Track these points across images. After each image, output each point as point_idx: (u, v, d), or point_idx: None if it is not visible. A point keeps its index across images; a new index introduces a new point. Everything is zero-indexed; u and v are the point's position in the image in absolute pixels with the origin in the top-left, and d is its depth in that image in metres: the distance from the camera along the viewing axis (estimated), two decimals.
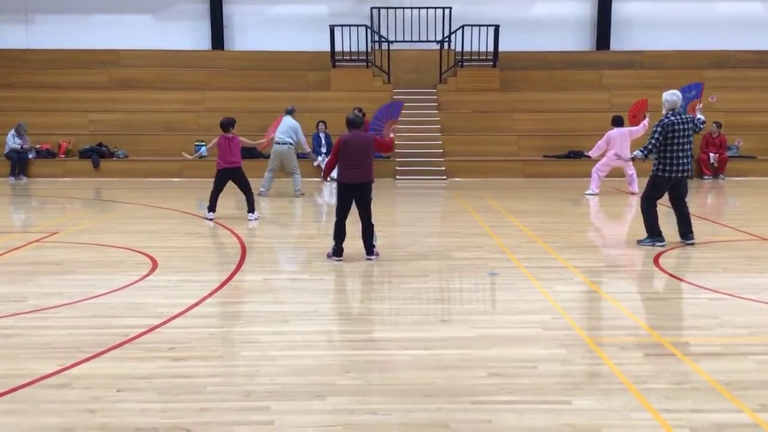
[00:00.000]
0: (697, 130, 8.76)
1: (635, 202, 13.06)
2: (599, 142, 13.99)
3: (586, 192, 14.05)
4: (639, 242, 8.88)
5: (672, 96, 8.61)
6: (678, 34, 20.72)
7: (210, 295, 6.72)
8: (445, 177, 17.01)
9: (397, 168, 16.96)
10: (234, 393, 4.47)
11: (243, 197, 11.09)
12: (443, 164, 17.26)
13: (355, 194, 8.08)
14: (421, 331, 5.62)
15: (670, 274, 7.48)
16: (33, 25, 21.00)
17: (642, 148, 8.75)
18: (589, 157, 14.53)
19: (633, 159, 9.13)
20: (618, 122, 13.91)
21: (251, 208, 10.98)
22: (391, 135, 8.97)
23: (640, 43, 20.86)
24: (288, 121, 13.71)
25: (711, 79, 19.25)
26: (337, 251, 8.14)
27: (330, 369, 4.86)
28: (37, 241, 9.30)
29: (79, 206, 13.39)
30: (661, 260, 8.05)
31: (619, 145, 13.63)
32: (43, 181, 16.83)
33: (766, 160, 17.73)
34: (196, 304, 6.39)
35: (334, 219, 8.18)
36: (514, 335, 5.51)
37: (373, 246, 8.20)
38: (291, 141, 13.65)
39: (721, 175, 16.78)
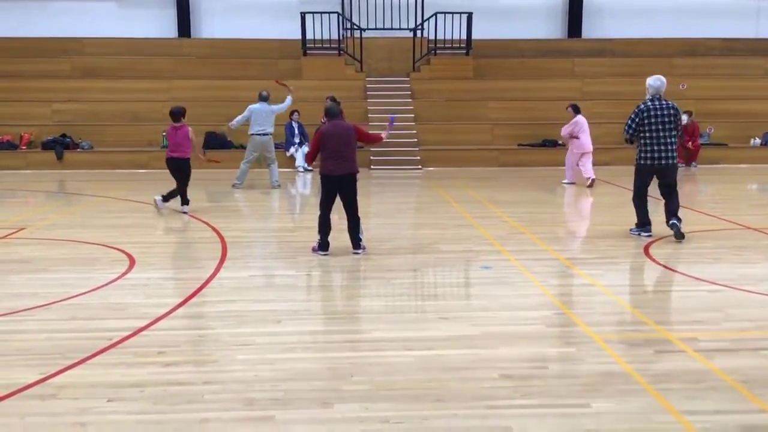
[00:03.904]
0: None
1: (611, 191, 13.01)
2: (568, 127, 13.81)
3: (563, 181, 13.97)
4: (630, 231, 8.83)
5: (656, 81, 8.39)
6: (648, 22, 20.73)
7: (194, 293, 6.43)
8: (420, 167, 16.80)
9: (372, 158, 16.68)
10: (234, 401, 4.22)
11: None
12: (418, 153, 17.05)
13: (339, 186, 7.82)
14: (423, 330, 5.41)
15: (663, 265, 7.38)
16: None
17: (624, 131, 8.63)
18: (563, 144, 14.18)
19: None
20: (578, 109, 13.80)
21: (167, 197, 10.70)
22: (384, 135, 8.65)
23: (611, 31, 20.86)
24: (265, 108, 13.24)
25: (680, 67, 19.41)
26: (323, 245, 7.89)
27: (333, 373, 4.62)
28: (4, 237, 8.87)
29: (45, 200, 12.89)
30: (651, 250, 7.96)
31: (587, 131, 13.56)
32: (5, 173, 16.15)
33: (737, 147, 17.87)
34: (181, 304, 6.10)
35: (318, 212, 7.92)
36: (518, 333, 5.33)
37: (360, 239, 7.97)
38: (271, 131, 13.28)
39: (694, 163, 16.85)
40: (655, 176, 8.58)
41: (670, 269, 7.28)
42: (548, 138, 17.63)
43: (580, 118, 13.64)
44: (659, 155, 8.36)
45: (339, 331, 5.52)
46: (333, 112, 7.89)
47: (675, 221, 8.39)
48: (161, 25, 20.42)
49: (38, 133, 17.47)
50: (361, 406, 4.12)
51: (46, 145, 17.09)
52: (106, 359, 4.87)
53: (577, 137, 13.54)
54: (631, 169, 8.90)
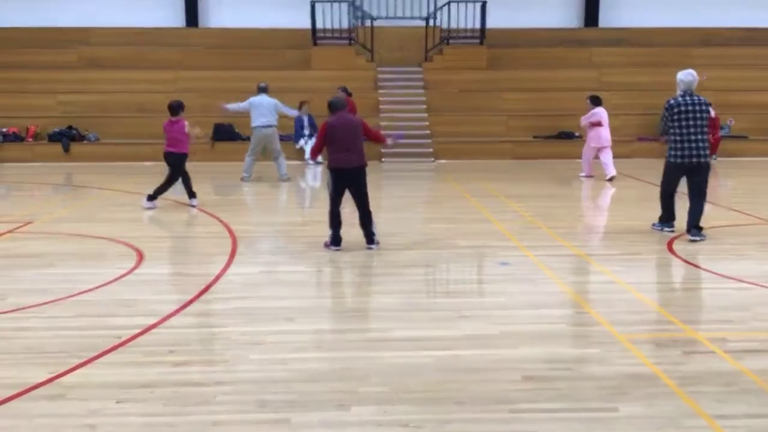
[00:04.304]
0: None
1: (631, 185, 12.77)
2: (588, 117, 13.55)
3: (580, 174, 13.72)
4: (652, 226, 8.60)
5: (687, 76, 8.02)
6: (665, 11, 20.32)
7: (205, 290, 6.28)
8: (432, 159, 16.58)
9: (383, 150, 16.45)
10: (247, 403, 4.07)
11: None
12: (431, 145, 16.83)
13: (349, 179, 7.65)
14: (440, 329, 5.24)
15: (688, 262, 7.17)
16: None
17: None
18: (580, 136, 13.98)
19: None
20: (599, 101, 13.54)
21: (154, 195, 10.32)
22: (389, 141, 8.57)
23: (628, 20, 20.46)
24: (266, 100, 13.04)
25: (699, 57, 18.98)
26: (335, 240, 7.72)
27: (349, 373, 4.46)
28: (10, 231, 8.74)
29: (52, 193, 12.78)
30: (675, 246, 7.74)
31: (607, 124, 13.29)
32: (11, 166, 16.03)
33: (758, 139, 17.51)
34: (191, 301, 5.95)
35: (328, 206, 7.76)
36: (539, 332, 5.15)
37: (373, 234, 7.79)
38: (275, 123, 13.06)
39: (714, 156, 16.52)
40: (684, 175, 8.20)
41: (695, 266, 7.06)
42: (564, 129, 17.33)
43: (600, 109, 13.35)
44: (690, 153, 7.96)
45: (353, 329, 5.35)
46: (338, 105, 7.71)
47: (694, 237, 7.93)
48: (168, 14, 20.21)
49: (44, 125, 17.30)
50: (379, 409, 3.97)
51: (53, 137, 16.93)
52: (115, 358, 4.74)
53: (600, 124, 13.21)
54: (653, 161, 8.72)
